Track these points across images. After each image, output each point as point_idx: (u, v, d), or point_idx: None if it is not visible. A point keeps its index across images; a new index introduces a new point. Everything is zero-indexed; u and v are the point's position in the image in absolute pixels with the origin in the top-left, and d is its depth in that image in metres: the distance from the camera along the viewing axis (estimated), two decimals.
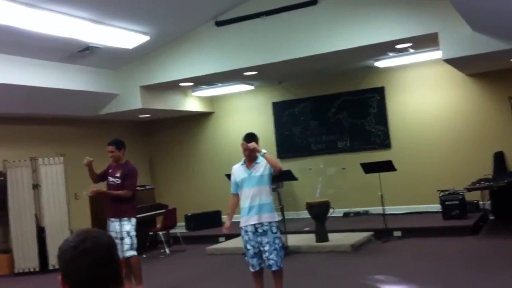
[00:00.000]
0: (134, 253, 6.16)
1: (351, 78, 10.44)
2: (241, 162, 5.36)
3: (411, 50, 8.66)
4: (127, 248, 6.09)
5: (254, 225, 5.13)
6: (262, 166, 5.24)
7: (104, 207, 6.59)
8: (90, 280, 1.46)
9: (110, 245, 1.53)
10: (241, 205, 5.26)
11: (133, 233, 6.17)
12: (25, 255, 8.46)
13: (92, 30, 7.38)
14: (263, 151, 5.22)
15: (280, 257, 5.14)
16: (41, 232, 8.54)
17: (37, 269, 8.40)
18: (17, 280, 8.17)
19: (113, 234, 6.09)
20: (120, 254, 6.01)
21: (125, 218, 6.15)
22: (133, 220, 6.23)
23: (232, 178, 5.39)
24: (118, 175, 6.24)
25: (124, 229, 6.11)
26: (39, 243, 8.48)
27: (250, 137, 5.29)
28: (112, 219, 6.20)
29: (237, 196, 5.36)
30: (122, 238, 6.09)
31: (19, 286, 7.79)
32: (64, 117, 9.94)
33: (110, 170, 6.35)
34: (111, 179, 6.28)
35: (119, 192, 6.18)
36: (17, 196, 8.52)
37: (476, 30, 7.07)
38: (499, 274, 5.93)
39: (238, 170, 5.34)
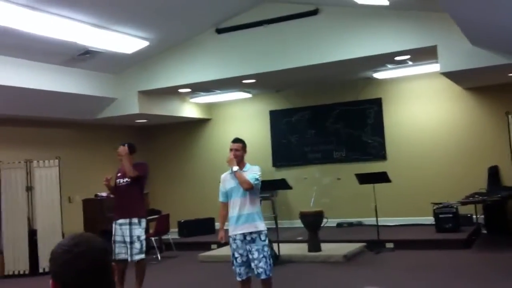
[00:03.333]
0: (143, 256, 6.16)
1: (350, 88, 10.47)
2: (229, 171, 5.28)
3: (410, 63, 8.70)
4: (136, 252, 6.06)
5: (243, 233, 5.10)
6: (247, 174, 5.16)
7: (113, 209, 6.49)
8: (82, 285, 1.45)
9: (103, 249, 1.53)
10: (230, 214, 5.19)
11: (143, 237, 6.15)
12: (15, 257, 8.41)
13: (93, 34, 7.39)
14: (235, 168, 5.11)
15: (269, 265, 5.07)
16: (33, 234, 8.49)
17: (27, 272, 8.35)
18: (7, 282, 8.12)
19: (118, 239, 6.07)
20: (129, 258, 6.02)
21: (135, 221, 6.08)
22: (143, 222, 6.19)
23: (221, 186, 5.31)
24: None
25: (134, 234, 6.06)
26: (30, 246, 8.43)
27: (237, 140, 5.28)
28: (121, 221, 6.10)
29: (225, 204, 5.27)
30: (132, 243, 6.04)
31: None
32: (61, 120, 9.91)
33: (119, 174, 6.31)
34: (122, 180, 6.22)
35: (131, 168, 6.12)
36: (10, 197, 8.49)
37: (475, 44, 7.10)
38: (490, 287, 5.94)
39: (227, 179, 5.27)
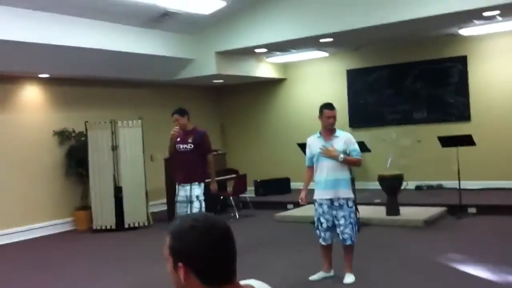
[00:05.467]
0: None
1: (431, 46, 10.01)
2: (317, 135, 5.25)
3: (499, 18, 8.15)
4: (195, 211, 6.26)
5: (330, 199, 5.08)
6: (341, 141, 5.13)
7: (173, 172, 6.74)
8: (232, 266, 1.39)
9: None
10: (317, 178, 5.18)
11: (202, 197, 6.35)
12: (102, 213, 8.86)
13: None
14: (341, 156, 5.03)
15: (355, 231, 5.10)
16: (118, 191, 8.90)
17: (113, 227, 8.81)
18: (95, 236, 8.61)
19: (181, 199, 6.31)
20: None
21: (196, 183, 6.31)
22: (202, 185, 6.41)
23: (308, 151, 5.29)
24: (190, 141, 6.36)
25: (194, 193, 6.28)
26: (116, 202, 8.85)
27: (331, 106, 5.18)
28: (183, 183, 6.35)
29: (312, 168, 5.27)
30: (191, 202, 6.27)
31: (97, 242, 8.20)
32: (142, 81, 10.21)
33: (178, 139, 6.45)
34: (182, 146, 6.38)
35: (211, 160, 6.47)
36: (97, 156, 8.89)
37: None
38: None
39: (314, 143, 5.23)
